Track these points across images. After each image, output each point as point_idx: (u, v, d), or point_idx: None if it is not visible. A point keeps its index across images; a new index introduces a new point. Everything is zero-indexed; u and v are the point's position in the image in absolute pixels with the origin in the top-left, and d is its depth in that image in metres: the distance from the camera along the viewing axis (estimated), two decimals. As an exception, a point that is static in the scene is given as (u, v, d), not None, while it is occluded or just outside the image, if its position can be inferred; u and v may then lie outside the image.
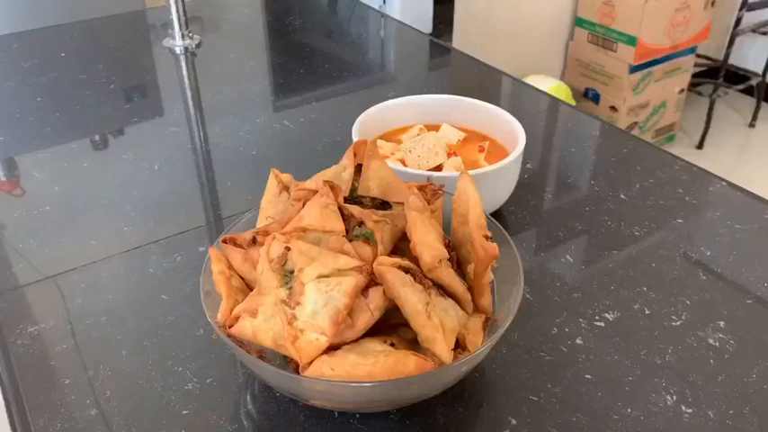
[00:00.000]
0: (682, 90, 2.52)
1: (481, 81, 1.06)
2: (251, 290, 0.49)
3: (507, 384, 0.52)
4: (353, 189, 0.50)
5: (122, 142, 0.88)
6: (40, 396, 0.51)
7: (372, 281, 0.44)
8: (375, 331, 0.45)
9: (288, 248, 0.43)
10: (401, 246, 0.49)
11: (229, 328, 0.44)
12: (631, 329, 0.56)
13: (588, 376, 0.52)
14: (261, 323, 0.43)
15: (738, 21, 2.50)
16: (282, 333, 0.42)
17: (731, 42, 2.51)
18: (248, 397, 0.51)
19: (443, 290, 0.47)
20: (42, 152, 0.84)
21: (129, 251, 0.66)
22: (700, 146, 2.60)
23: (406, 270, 0.44)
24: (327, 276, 0.42)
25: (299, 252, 0.43)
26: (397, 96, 0.75)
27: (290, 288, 0.43)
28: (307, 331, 0.41)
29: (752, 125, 2.74)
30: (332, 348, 0.45)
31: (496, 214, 0.70)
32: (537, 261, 0.65)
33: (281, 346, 0.42)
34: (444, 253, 0.45)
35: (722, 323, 0.57)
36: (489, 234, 0.47)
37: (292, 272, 0.43)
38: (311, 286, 0.42)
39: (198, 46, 1.14)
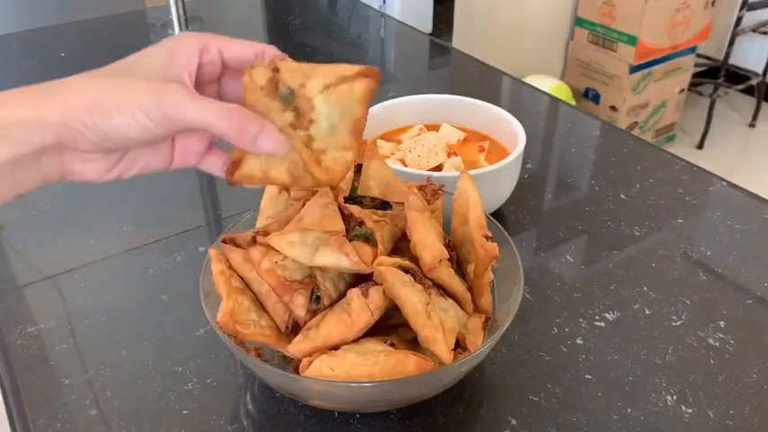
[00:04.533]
0: (682, 90, 2.52)
1: (481, 81, 1.06)
2: (251, 290, 0.49)
3: (507, 384, 0.52)
4: (353, 189, 0.50)
5: (122, 142, 0.88)
6: (39, 396, 0.51)
7: (372, 281, 0.44)
8: (375, 331, 0.45)
9: (276, 69, 0.38)
10: (401, 246, 0.49)
11: (232, 175, 0.39)
12: (631, 329, 0.56)
13: (588, 376, 0.52)
14: (269, 158, 0.38)
15: (739, 20, 2.50)
16: (298, 162, 0.38)
17: (731, 42, 2.51)
18: (248, 397, 0.51)
19: (443, 290, 0.47)
20: (42, 152, 0.84)
21: (129, 251, 0.66)
22: (700, 146, 2.59)
23: (406, 270, 0.44)
24: (334, 86, 0.38)
25: (291, 71, 0.39)
26: (397, 96, 0.75)
27: (296, 108, 0.38)
28: (329, 150, 0.38)
29: (752, 125, 2.74)
30: (332, 348, 0.45)
31: (496, 214, 0.70)
32: (537, 261, 0.65)
33: (300, 177, 0.38)
34: (444, 253, 0.45)
35: (722, 323, 0.57)
36: (489, 234, 0.47)
37: (291, 92, 0.38)
38: (321, 99, 0.38)
39: (198, 46, 1.14)
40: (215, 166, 0.40)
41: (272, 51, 0.40)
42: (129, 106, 0.33)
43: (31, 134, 0.32)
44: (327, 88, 0.38)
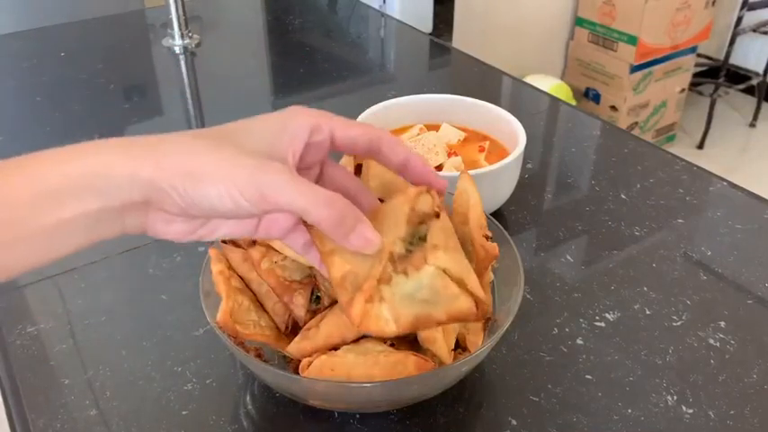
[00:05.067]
0: (682, 90, 2.52)
1: (481, 81, 1.05)
2: (251, 290, 0.49)
3: (507, 384, 0.51)
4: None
5: (122, 142, 0.88)
6: (39, 396, 0.51)
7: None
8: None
9: (438, 214, 0.36)
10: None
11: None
12: (632, 330, 0.56)
13: (589, 376, 0.52)
14: (341, 248, 0.35)
15: (739, 20, 2.50)
16: (359, 278, 0.34)
17: (732, 42, 2.51)
18: (248, 397, 0.51)
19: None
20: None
21: (128, 251, 0.66)
22: (700, 146, 2.59)
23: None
24: (449, 278, 0.35)
25: (443, 229, 0.36)
26: (397, 96, 0.75)
27: (410, 251, 0.35)
28: (385, 304, 0.34)
29: (752, 125, 2.74)
30: (332, 348, 0.45)
31: (497, 214, 0.69)
32: (537, 261, 0.65)
33: (343, 287, 0.35)
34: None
35: (723, 323, 0.57)
36: (489, 234, 0.47)
37: (423, 239, 0.36)
38: (430, 272, 0.34)
39: (197, 46, 1.14)
40: (297, 243, 0.39)
41: (387, 138, 0.38)
42: (224, 179, 0.31)
43: (120, 189, 0.31)
44: (444, 273, 0.35)
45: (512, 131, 0.69)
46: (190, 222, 0.34)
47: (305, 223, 0.36)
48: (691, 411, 0.49)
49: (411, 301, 0.34)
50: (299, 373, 0.43)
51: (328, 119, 0.37)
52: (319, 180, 0.40)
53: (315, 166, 0.39)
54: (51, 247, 0.31)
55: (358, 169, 0.51)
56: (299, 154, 0.36)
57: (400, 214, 0.36)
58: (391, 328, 0.33)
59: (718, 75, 2.57)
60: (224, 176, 0.31)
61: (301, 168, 0.37)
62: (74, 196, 0.30)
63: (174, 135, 0.33)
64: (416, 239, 0.36)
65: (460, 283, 0.34)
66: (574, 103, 2.25)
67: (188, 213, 0.33)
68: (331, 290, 0.45)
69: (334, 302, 0.48)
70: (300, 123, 0.36)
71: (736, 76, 2.69)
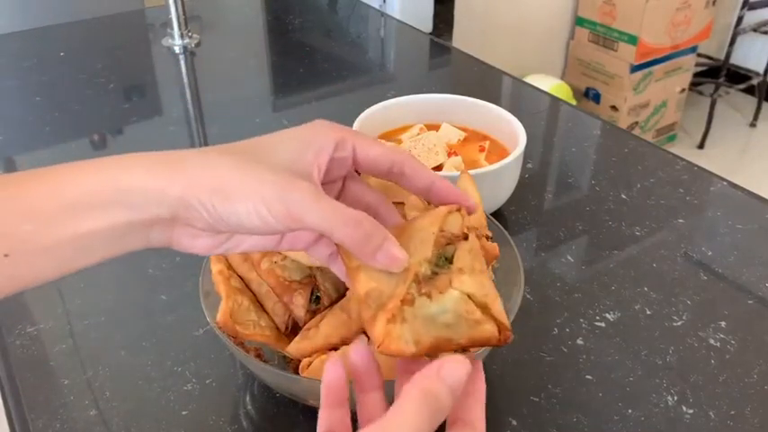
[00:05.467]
0: (683, 89, 2.52)
1: (481, 80, 1.05)
2: (251, 290, 0.49)
3: (507, 384, 0.51)
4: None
5: (121, 142, 0.88)
6: (39, 396, 0.51)
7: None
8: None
9: (466, 236, 0.35)
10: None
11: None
12: (632, 330, 0.56)
13: (589, 377, 0.52)
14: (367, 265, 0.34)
15: (739, 20, 2.50)
16: (383, 296, 0.33)
17: (732, 42, 2.51)
18: (248, 397, 0.51)
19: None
20: (41, 152, 0.84)
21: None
22: (701, 146, 2.59)
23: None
24: (473, 303, 0.34)
25: (470, 251, 0.35)
26: (397, 96, 0.75)
27: (436, 273, 0.34)
28: (407, 326, 0.33)
29: (753, 125, 2.74)
30: (332, 348, 0.45)
31: (497, 214, 0.69)
32: (537, 261, 0.65)
33: (366, 303, 0.34)
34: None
35: (723, 323, 0.57)
36: (490, 234, 0.47)
37: (449, 259, 0.35)
38: (455, 297, 0.33)
39: (197, 45, 1.14)
40: (323, 254, 0.38)
41: (411, 161, 0.37)
42: (252, 196, 0.31)
43: (148, 204, 0.31)
44: (468, 297, 0.33)
45: (512, 131, 0.69)
46: (215, 237, 0.34)
47: None
48: (691, 411, 0.49)
49: (433, 323, 0.33)
50: (298, 373, 0.43)
51: (352, 134, 0.37)
52: (341, 194, 0.39)
53: (338, 180, 0.39)
54: (75, 259, 0.31)
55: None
56: (324, 169, 0.35)
57: (428, 235, 0.35)
58: (411, 350, 0.33)
59: (719, 74, 2.56)
60: (252, 193, 0.31)
61: (324, 183, 0.36)
62: (102, 209, 0.30)
63: (198, 151, 0.33)
64: (443, 260, 0.35)
65: (484, 309, 0.34)
66: (574, 102, 2.25)
67: (215, 229, 0.32)
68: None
69: (334, 302, 0.48)
70: (325, 138, 0.36)
71: (737, 76, 2.69)
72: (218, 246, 0.35)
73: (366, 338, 0.33)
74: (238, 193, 0.31)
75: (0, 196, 0.29)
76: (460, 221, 0.36)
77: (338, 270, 0.39)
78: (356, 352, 0.33)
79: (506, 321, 0.34)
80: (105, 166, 0.31)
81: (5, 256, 0.29)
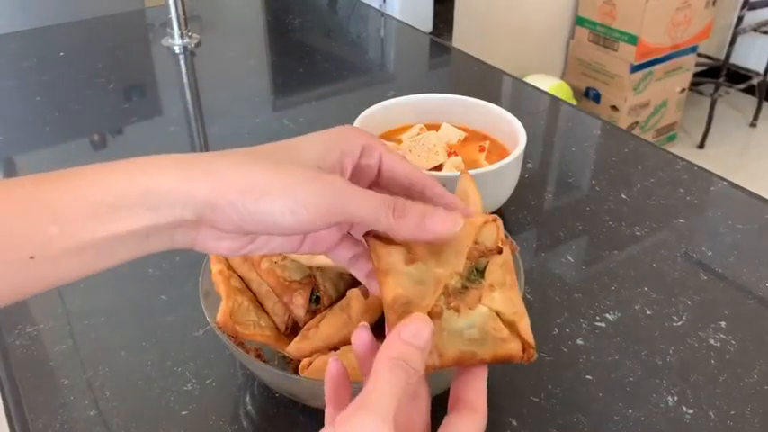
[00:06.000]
0: (683, 89, 2.52)
1: (481, 80, 1.05)
2: (251, 290, 0.49)
3: (507, 385, 0.51)
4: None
5: (121, 142, 0.88)
6: (39, 396, 0.51)
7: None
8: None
9: (500, 250, 0.35)
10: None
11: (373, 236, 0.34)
12: (632, 330, 0.56)
13: (589, 377, 0.52)
14: (403, 271, 0.33)
15: (740, 20, 2.50)
16: (410, 304, 0.32)
17: (732, 41, 2.51)
18: (248, 397, 0.50)
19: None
20: (41, 152, 0.84)
21: (128, 251, 0.65)
22: (701, 145, 2.59)
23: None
24: (501, 320, 0.33)
25: (502, 265, 0.35)
26: (397, 96, 0.75)
27: (466, 288, 0.34)
28: (433, 339, 0.32)
29: (753, 125, 2.73)
30: (332, 348, 0.45)
31: (497, 214, 0.69)
32: (537, 261, 0.65)
33: (393, 309, 0.33)
34: None
35: (723, 323, 0.57)
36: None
37: (481, 272, 0.34)
38: (483, 314, 0.33)
39: (197, 45, 1.14)
40: (344, 257, 0.38)
41: (433, 185, 0.37)
42: (285, 194, 0.30)
43: (174, 207, 0.30)
44: (496, 314, 0.33)
45: (512, 131, 0.69)
46: (239, 239, 0.34)
47: (366, 235, 0.35)
48: (691, 412, 0.49)
49: (459, 337, 0.33)
50: (298, 373, 0.43)
51: (380, 144, 0.36)
52: None
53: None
54: (96, 261, 0.31)
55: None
56: (349, 172, 0.35)
57: (462, 247, 0.34)
58: (434, 362, 0.33)
59: (719, 74, 2.56)
60: (285, 191, 0.31)
61: None
62: (127, 211, 0.30)
63: (223, 153, 0.32)
64: (474, 273, 0.35)
65: (512, 327, 0.34)
66: (574, 102, 2.25)
67: (242, 230, 0.32)
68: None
69: (333, 302, 0.48)
70: (354, 141, 0.35)
71: (737, 76, 2.69)
72: (241, 248, 0.35)
73: (367, 324, 0.33)
74: (271, 192, 0.31)
75: (25, 198, 0.29)
76: (495, 233, 0.36)
77: (359, 273, 0.38)
78: (358, 337, 0.33)
79: (532, 340, 0.34)
80: (130, 169, 0.31)
81: (31, 258, 0.29)
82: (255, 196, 0.30)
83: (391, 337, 0.30)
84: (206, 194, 0.30)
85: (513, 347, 0.33)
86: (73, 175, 0.30)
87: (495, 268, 0.34)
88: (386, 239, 0.34)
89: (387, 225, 0.32)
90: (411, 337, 0.30)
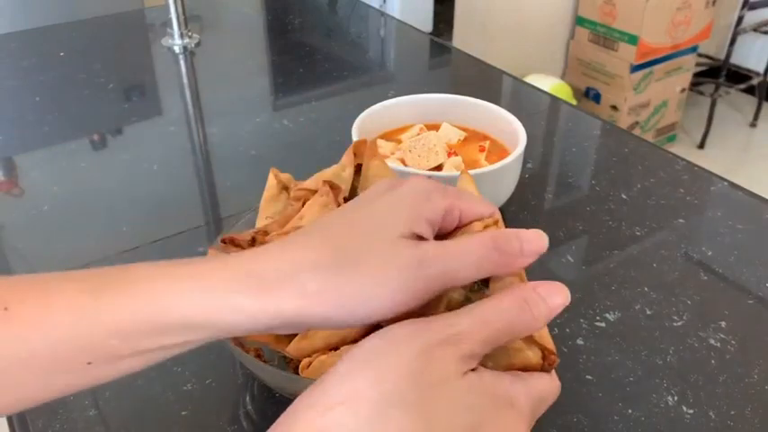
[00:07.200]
0: (683, 89, 2.52)
1: (482, 80, 1.05)
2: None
3: (507, 385, 0.51)
4: (353, 189, 0.50)
5: (121, 142, 0.88)
6: (38, 397, 0.50)
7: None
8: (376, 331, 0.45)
9: None
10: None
11: None
12: (632, 330, 0.56)
13: (589, 377, 0.52)
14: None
15: (740, 20, 2.50)
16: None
17: (732, 41, 2.51)
18: (248, 398, 0.50)
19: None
20: (41, 152, 0.84)
21: (127, 251, 0.66)
22: (701, 145, 2.59)
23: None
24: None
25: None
26: (397, 95, 0.75)
27: (469, 299, 0.33)
28: None
29: (753, 125, 2.74)
30: (332, 348, 0.45)
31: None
32: (537, 261, 0.64)
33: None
34: None
35: (723, 323, 0.57)
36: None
37: (485, 282, 0.33)
38: None
39: (197, 45, 1.14)
40: None
41: (497, 214, 0.35)
42: (383, 293, 0.28)
43: (257, 324, 0.28)
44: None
45: (512, 131, 0.69)
46: None
47: None
48: (691, 412, 0.49)
49: None
50: (298, 373, 0.43)
51: (459, 200, 0.33)
52: None
53: None
54: (155, 359, 0.30)
55: (358, 169, 0.51)
56: (432, 237, 0.32)
57: None
58: None
59: (719, 74, 2.57)
60: (382, 291, 0.28)
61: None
62: (197, 332, 0.29)
63: (290, 246, 0.30)
64: (478, 285, 0.33)
65: (527, 337, 0.32)
66: (574, 102, 2.25)
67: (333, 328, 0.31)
68: None
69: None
70: (435, 207, 0.32)
71: (737, 76, 2.69)
72: None
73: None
74: (367, 297, 0.28)
75: (84, 309, 0.28)
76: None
77: None
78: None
79: (551, 345, 0.32)
80: (198, 286, 0.29)
81: (89, 363, 0.29)
82: (351, 308, 0.28)
83: (526, 286, 0.30)
84: (295, 311, 0.28)
85: (531, 356, 0.32)
86: (132, 288, 0.29)
87: (500, 277, 0.33)
88: None
89: (490, 270, 0.31)
90: (546, 293, 0.30)
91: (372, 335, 0.28)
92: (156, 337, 0.29)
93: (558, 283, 0.31)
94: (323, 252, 0.29)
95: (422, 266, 0.29)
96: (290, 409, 0.27)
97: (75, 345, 0.28)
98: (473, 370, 0.27)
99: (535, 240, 0.32)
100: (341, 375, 0.26)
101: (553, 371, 0.32)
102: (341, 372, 0.26)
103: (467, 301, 0.33)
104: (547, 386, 0.31)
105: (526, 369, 0.32)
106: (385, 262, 0.29)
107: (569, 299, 0.30)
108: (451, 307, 0.32)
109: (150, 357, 0.30)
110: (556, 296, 0.30)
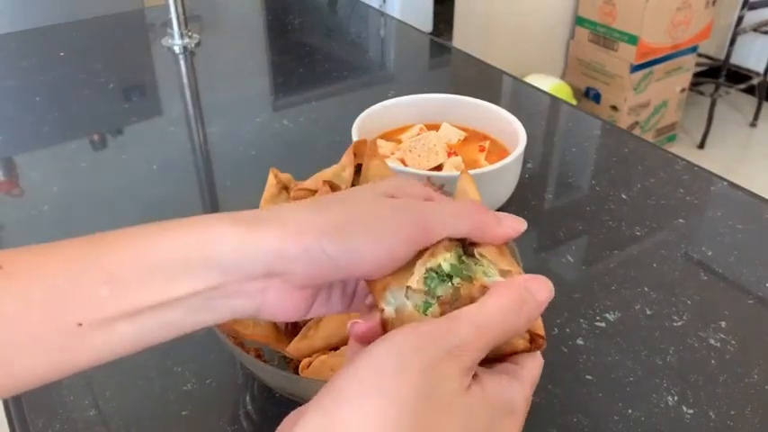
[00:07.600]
0: (683, 89, 2.52)
1: (482, 80, 1.05)
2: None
3: (507, 385, 0.51)
4: (353, 189, 0.50)
5: (121, 142, 0.88)
6: (39, 396, 0.50)
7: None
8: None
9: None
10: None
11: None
12: (632, 330, 0.56)
13: (589, 377, 0.52)
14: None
15: (740, 20, 2.50)
16: (404, 315, 0.31)
17: (732, 41, 2.51)
18: (248, 398, 0.50)
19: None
20: (41, 152, 0.84)
21: (128, 251, 0.65)
22: (701, 145, 2.59)
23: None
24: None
25: (492, 254, 0.34)
26: (397, 95, 0.75)
27: (458, 288, 0.31)
28: None
29: (753, 125, 2.73)
30: (332, 348, 0.45)
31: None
32: (538, 261, 0.65)
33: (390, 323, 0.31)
34: None
35: (723, 323, 0.57)
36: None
37: (457, 288, 0.31)
38: None
39: (197, 45, 1.14)
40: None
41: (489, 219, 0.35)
42: (373, 225, 0.29)
43: (240, 263, 0.28)
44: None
45: (512, 131, 0.69)
46: (305, 297, 0.31)
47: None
48: (691, 412, 0.49)
49: None
50: (298, 373, 0.43)
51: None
52: None
53: None
54: (145, 333, 0.29)
55: (358, 169, 0.51)
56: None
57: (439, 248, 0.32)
58: None
59: (719, 74, 2.57)
60: (373, 222, 0.29)
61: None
62: (186, 271, 0.28)
63: (289, 206, 0.31)
64: (464, 259, 0.33)
65: None
66: (574, 102, 2.25)
67: (315, 280, 0.30)
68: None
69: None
70: (418, 189, 0.33)
71: (737, 76, 2.69)
72: (307, 307, 0.32)
73: (359, 321, 0.32)
74: (354, 228, 0.29)
75: (79, 258, 0.27)
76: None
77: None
78: (358, 326, 0.31)
79: (541, 330, 0.32)
80: (189, 226, 0.29)
81: (78, 325, 0.27)
82: (338, 237, 0.28)
83: (520, 283, 0.31)
84: (277, 244, 0.28)
85: (520, 343, 0.32)
86: (129, 235, 0.28)
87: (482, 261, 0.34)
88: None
89: (467, 232, 0.32)
90: (536, 289, 0.31)
91: (376, 346, 0.27)
92: (146, 286, 0.28)
93: (541, 276, 0.32)
94: (308, 204, 0.31)
95: (402, 210, 0.30)
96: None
97: (64, 295, 0.27)
98: (474, 376, 0.28)
99: (514, 220, 0.35)
100: (349, 401, 0.26)
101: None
102: (349, 397, 0.26)
103: (455, 291, 0.31)
104: (536, 371, 0.31)
105: (515, 353, 0.32)
106: (366, 205, 0.30)
107: (554, 292, 0.31)
108: (443, 303, 0.31)
109: (144, 327, 0.29)
110: (544, 291, 0.32)
